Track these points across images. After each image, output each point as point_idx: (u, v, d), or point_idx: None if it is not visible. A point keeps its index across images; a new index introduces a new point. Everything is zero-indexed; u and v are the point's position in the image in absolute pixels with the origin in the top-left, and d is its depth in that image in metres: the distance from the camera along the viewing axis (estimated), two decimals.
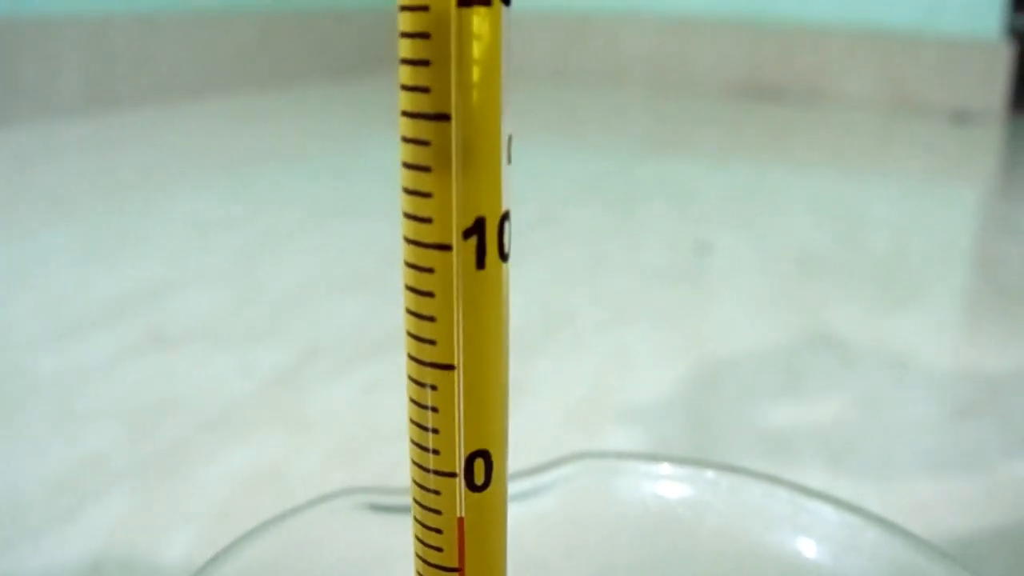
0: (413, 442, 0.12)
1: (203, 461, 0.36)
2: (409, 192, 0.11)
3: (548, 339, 0.50)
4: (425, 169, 0.11)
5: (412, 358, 0.12)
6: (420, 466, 0.12)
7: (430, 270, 0.11)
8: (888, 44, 1.43)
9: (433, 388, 0.12)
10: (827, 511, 0.18)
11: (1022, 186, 0.98)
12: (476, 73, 0.10)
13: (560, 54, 1.65)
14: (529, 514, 0.18)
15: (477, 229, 0.11)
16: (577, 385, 0.44)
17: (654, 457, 0.19)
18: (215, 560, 0.16)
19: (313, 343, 0.48)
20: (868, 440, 0.39)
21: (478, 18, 0.10)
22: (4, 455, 0.36)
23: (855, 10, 1.45)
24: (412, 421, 0.12)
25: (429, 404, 0.12)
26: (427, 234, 0.11)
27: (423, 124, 0.11)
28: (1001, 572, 0.30)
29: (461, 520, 0.12)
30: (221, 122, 1.16)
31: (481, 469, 0.12)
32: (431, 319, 0.11)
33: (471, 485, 0.12)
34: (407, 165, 0.11)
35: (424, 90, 0.10)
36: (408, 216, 0.11)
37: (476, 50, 0.10)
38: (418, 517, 0.12)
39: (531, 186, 0.86)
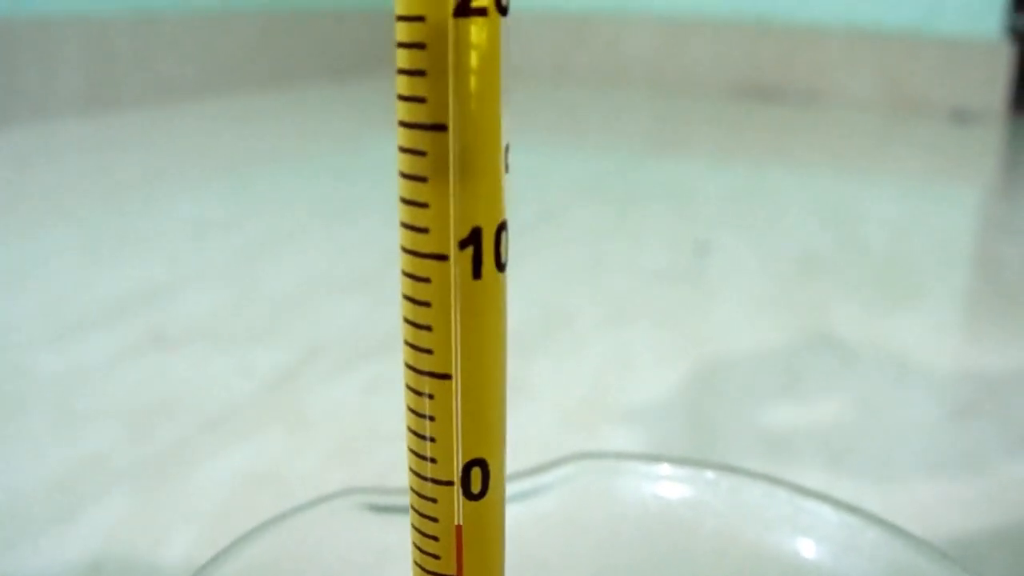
0: (411, 450, 0.12)
1: (203, 461, 0.36)
2: (406, 202, 0.11)
3: (548, 339, 0.50)
4: (422, 179, 0.11)
5: (409, 367, 0.12)
6: (417, 474, 0.12)
7: (427, 280, 0.11)
8: (888, 44, 1.43)
9: (430, 397, 0.12)
10: (827, 512, 0.18)
11: (1022, 186, 0.98)
12: (474, 83, 0.10)
13: (560, 54, 1.65)
14: (528, 515, 0.18)
15: (473, 239, 0.11)
16: (577, 385, 0.44)
17: (654, 457, 0.19)
18: (215, 560, 0.16)
19: (313, 343, 0.48)
20: (868, 440, 0.39)
21: (476, 28, 0.10)
22: (4, 455, 0.36)
23: (855, 10, 1.45)
24: (410, 429, 0.12)
25: (426, 413, 0.12)
26: (424, 244, 0.11)
27: (420, 134, 0.11)
28: (1001, 573, 0.31)
29: (459, 528, 0.12)
30: (221, 122, 1.16)
31: (478, 478, 0.12)
32: (428, 328, 0.11)
33: (468, 493, 0.12)
34: (404, 175, 0.11)
35: (420, 100, 0.10)
36: (405, 226, 0.11)
37: (474, 60, 0.10)
38: (416, 524, 0.12)
39: (531, 186, 0.86)
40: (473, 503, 0.12)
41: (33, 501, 0.33)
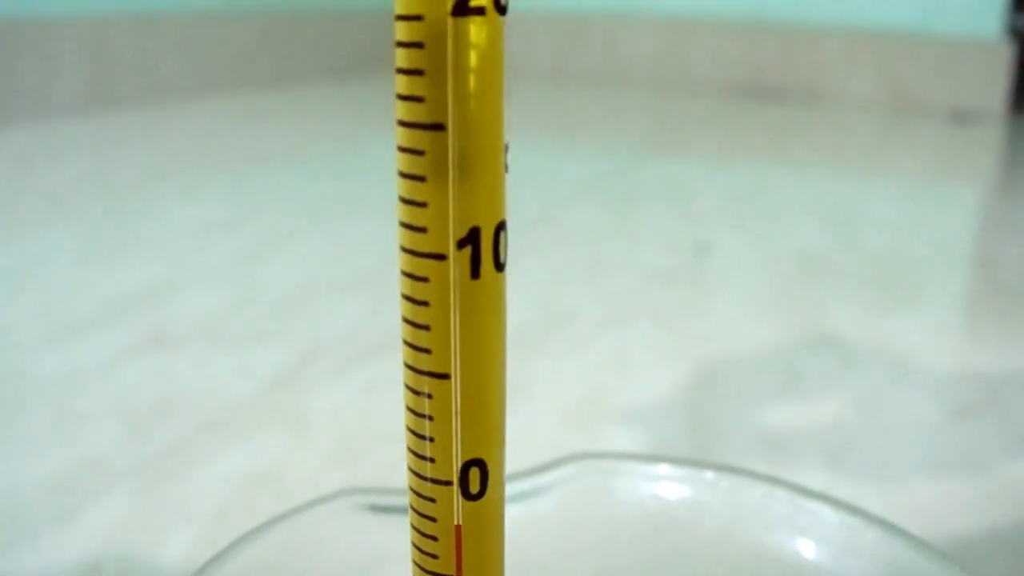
0: (410, 449, 0.12)
1: (203, 461, 0.36)
2: (405, 201, 0.11)
3: (548, 338, 0.50)
4: (420, 179, 0.11)
5: (408, 366, 0.12)
6: (416, 473, 0.12)
7: (425, 279, 0.11)
8: (888, 44, 1.43)
9: (429, 397, 0.12)
10: (826, 512, 0.18)
11: (1022, 186, 0.98)
12: (473, 82, 0.10)
13: (560, 54, 1.65)
14: (528, 515, 0.18)
15: (472, 239, 0.11)
16: (576, 385, 0.44)
17: (653, 458, 0.19)
18: (215, 561, 0.16)
19: (313, 343, 0.48)
20: (868, 440, 0.39)
21: (475, 27, 0.10)
22: (4, 455, 0.36)
23: (855, 10, 1.45)
24: (409, 429, 0.12)
25: (425, 412, 0.12)
26: (422, 243, 0.11)
27: (418, 134, 0.11)
28: (1001, 573, 0.31)
29: (458, 528, 0.12)
30: (221, 122, 1.16)
31: (476, 478, 0.12)
32: (426, 328, 0.11)
33: (467, 494, 0.12)
34: (403, 174, 0.11)
35: (419, 100, 0.10)
36: (404, 225, 0.11)
37: (473, 59, 0.10)
38: (415, 524, 0.12)
39: (531, 186, 0.86)
40: (472, 503, 0.12)
41: (33, 501, 0.33)
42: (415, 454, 0.12)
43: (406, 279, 0.11)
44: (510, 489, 0.18)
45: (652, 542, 0.19)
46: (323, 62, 1.53)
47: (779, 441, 0.39)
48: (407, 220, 0.11)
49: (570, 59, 1.64)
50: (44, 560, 0.30)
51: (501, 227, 0.11)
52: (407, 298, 0.11)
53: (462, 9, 0.10)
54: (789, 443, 0.39)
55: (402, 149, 0.11)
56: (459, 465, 0.12)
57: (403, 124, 0.11)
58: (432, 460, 0.12)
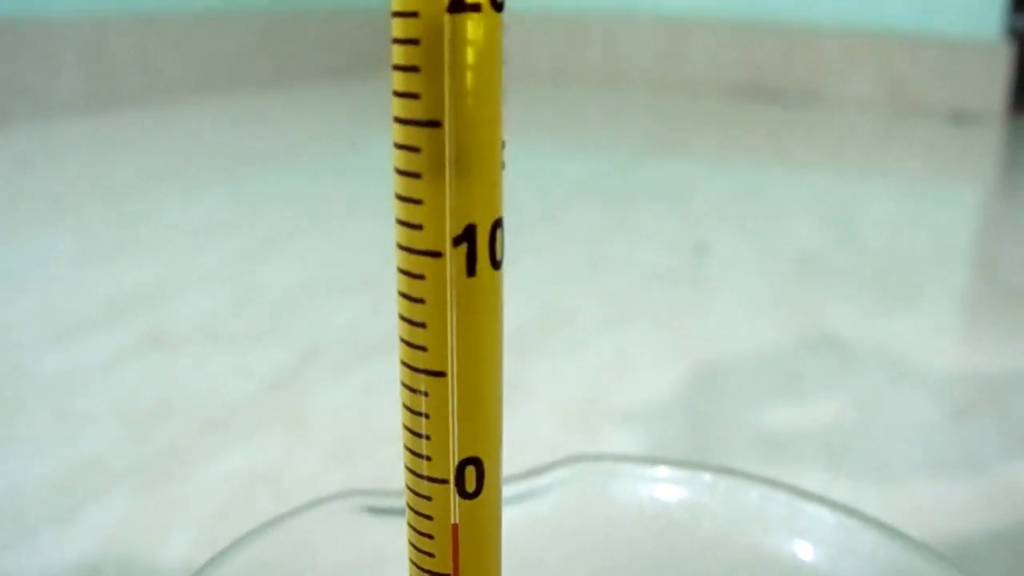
0: (406, 447, 0.12)
1: (202, 462, 0.36)
2: (401, 198, 0.11)
3: (547, 338, 0.50)
4: (416, 176, 0.11)
5: (405, 364, 0.12)
6: (413, 472, 0.12)
7: (421, 276, 0.11)
8: (887, 45, 1.43)
9: (425, 394, 0.12)
10: (824, 514, 0.18)
11: (1021, 187, 0.98)
12: (470, 79, 0.10)
13: (559, 54, 1.65)
14: (525, 517, 0.18)
15: (467, 236, 0.11)
16: (576, 385, 0.44)
17: (651, 460, 0.19)
18: (213, 562, 0.16)
19: (313, 343, 0.48)
20: (867, 441, 0.39)
21: (472, 24, 0.10)
22: (4, 455, 0.36)
23: (854, 10, 1.45)
24: (405, 427, 0.12)
25: (421, 410, 0.12)
26: (418, 241, 0.11)
27: (414, 130, 0.11)
28: (1000, 574, 0.30)
29: (455, 526, 0.12)
30: (221, 122, 1.16)
31: (472, 476, 0.12)
32: (422, 325, 0.11)
33: (462, 492, 0.12)
34: (399, 171, 0.11)
35: (414, 96, 0.10)
36: (400, 222, 0.11)
37: (470, 56, 0.10)
38: (411, 522, 0.12)
39: (530, 186, 0.86)
40: (468, 502, 0.12)
41: (32, 501, 0.33)
42: (412, 452, 0.12)
43: (403, 276, 0.11)
44: (508, 491, 0.18)
45: (650, 544, 0.19)
46: (323, 62, 1.53)
47: (779, 441, 0.39)
48: (403, 217, 0.11)
49: (570, 59, 1.64)
50: (44, 560, 0.30)
51: (498, 225, 0.11)
52: (404, 295, 0.11)
53: (458, 6, 0.10)
54: (789, 443, 0.39)
55: (398, 146, 0.11)
56: (455, 463, 0.12)
57: (399, 121, 0.11)
58: (428, 458, 0.12)
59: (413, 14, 0.10)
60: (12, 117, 1.04)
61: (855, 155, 1.08)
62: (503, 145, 0.11)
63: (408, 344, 0.12)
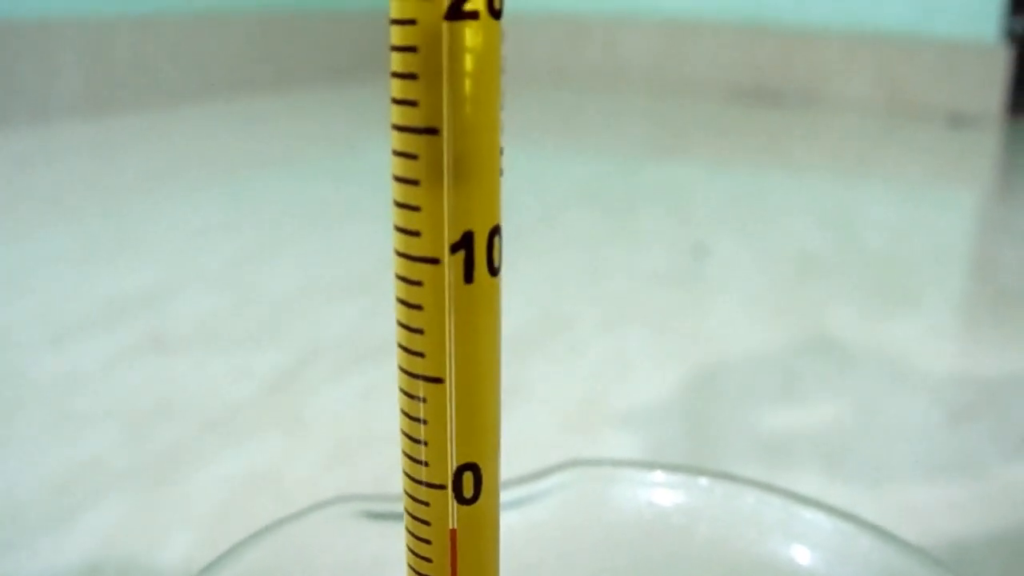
0: (404, 453, 0.12)
1: (201, 464, 0.36)
2: (399, 205, 0.11)
3: (546, 342, 0.50)
4: (414, 183, 0.11)
5: (403, 369, 0.12)
6: (411, 477, 0.12)
7: (419, 283, 0.11)
8: (886, 47, 1.43)
9: (423, 401, 0.12)
10: (821, 519, 0.18)
11: (1019, 189, 0.98)
12: (469, 86, 0.10)
13: (558, 57, 1.65)
14: (523, 522, 0.18)
15: (465, 243, 0.11)
16: (575, 389, 0.44)
17: (648, 465, 0.19)
18: (210, 567, 0.16)
19: (311, 346, 0.48)
20: (865, 444, 0.39)
21: (470, 31, 0.10)
22: (3, 456, 0.36)
23: (853, 13, 1.45)
24: (404, 432, 0.12)
25: (419, 416, 0.12)
26: (416, 247, 0.11)
27: (412, 138, 0.11)
28: None
29: (453, 532, 0.12)
30: (220, 125, 1.16)
31: (470, 482, 0.12)
32: (420, 332, 0.11)
33: (460, 498, 0.12)
34: (397, 178, 0.11)
35: (412, 104, 0.11)
36: (398, 229, 0.11)
37: (468, 63, 0.10)
38: (409, 528, 0.12)
39: (530, 189, 0.86)
40: (466, 507, 0.12)
41: (31, 503, 0.33)
42: (410, 458, 0.12)
43: (401, 283, 0.11)
44: (507, 495, 0.18)
45: (647, 549, 0.19)
46: (322, 65, 1.54)
47: (777, 444, 0.39)
48: (401, 224, 0.11)
49: (569, 61, 1.65)
50: (43, 561, 0.30)
51: (496, 232, 0.11)
52: (402, 302, 0.11)
53: (456, 13, 0.10)
54: (787, 446, 0.39)
55: (396, 153, 0.11)
56: (453, 469, 0.12)
57: (397, 128, 0.11)
58: (426, 464, 0.12)
59: (411, 21, 0.10)
60: (11, 118, 1.04)
61: (854, 157, 1.09)
62: (501, 152, 0.11)
63: (406, 350, 0.12)
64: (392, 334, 0.12)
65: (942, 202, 0.89)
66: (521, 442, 0.38)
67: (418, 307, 0.11)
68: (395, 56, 0.11)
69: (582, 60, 1.64)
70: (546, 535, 0.18)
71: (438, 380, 0.11)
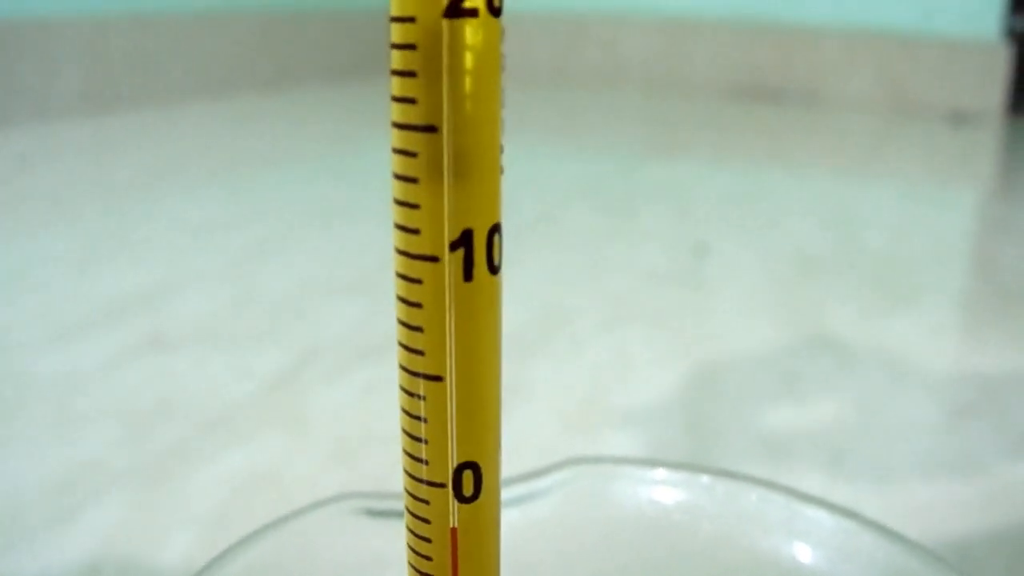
0: (405, 451, 0.12)
1: (201, 463, 0.36)
2: (399, 203, 0.11)
3: (546, 340, 0.50)
4: (413, 180, 0.11)
5: (403, 368, 0.12)
6: (411, 475, 0.12)
7: (419, 281, 0.11)
8: (886, 45, 1.43)
9: (423, 399, 0.12)
10: (823, 516, 0.18)
11: (1020, 188, 0.98)
12: (468, 84, 0.10)
13: (558, 55, 1.65)
14: (524, 520, 0.18)
15: (464, 241, 0.11)
16: (575, 387, 0.44)
17: (650, 462, 0.19)
18: (211, 565, 0.16)
19: (312, 345, 0.48)
20: (866, 442, 0.39)
21: (470, 29, 0.10)
22: (4, 455, 0.36)
23: (853, 11, 1.45)
24: (404, 430, 0.12)
25: (419, 415, 0.12)
26: (416, 245, 0.11)
27: (411, 135, 0.11)
28: (999, 575, 0.30)
29: (454, 530, 0.12)
30: (220, 124, 1.16)
31: (470, 481, 0.12)
32: (420, 330, 0.11)
33: (460, 496, 0.12)
34: (397, 176, 0.11)
35: (411, 101, 0.10)
36: (398, 227, 0.11)
37: (468, 61, 0.10)
38: (410, 526, 0.12)
39: (530, 187, 0.86)
40: (466, 506, 0.12)
41: (32, 502, 0.33)
42: (410, 456, 0.12)
43: (401, 281, 0.11)
44: (508, 493, 0.18)
45: (649, 546, 0.19)
46: (323, 63, 1.53)
47: (778, 442, 0.39)
48: (401, 222, 0.11)
49: (569, 60, 1.64)
50: (43, 561, 0.30)
51: (495, 230, 0.11)
52: (402, 300, 0.11)
53: (455, 11, 0.10)
54: (788, 444, 0.39)
55: (396, 151, 0.11)
56: (453, 468, 0.12)
57: (397, 126, 0.11)
58: (426, 462, 0.12)
59: (410, 19, 0.10)
60: (12, 117, 1.04)
61: (854, 156, 1.08)
62: (502, 150, 0.11)
63: (406, 348, 0.12)
64: (393, 332, 0.12)
65: (942, 200, 0.89)
66: (521, 441, 0.38)
67: (418, 305, 0.11)
68: (395, 54, 0.11)
69: (582, 59, 1.64)
70: (547, 533, 0.18)
71: (438, 378, 0.11)
